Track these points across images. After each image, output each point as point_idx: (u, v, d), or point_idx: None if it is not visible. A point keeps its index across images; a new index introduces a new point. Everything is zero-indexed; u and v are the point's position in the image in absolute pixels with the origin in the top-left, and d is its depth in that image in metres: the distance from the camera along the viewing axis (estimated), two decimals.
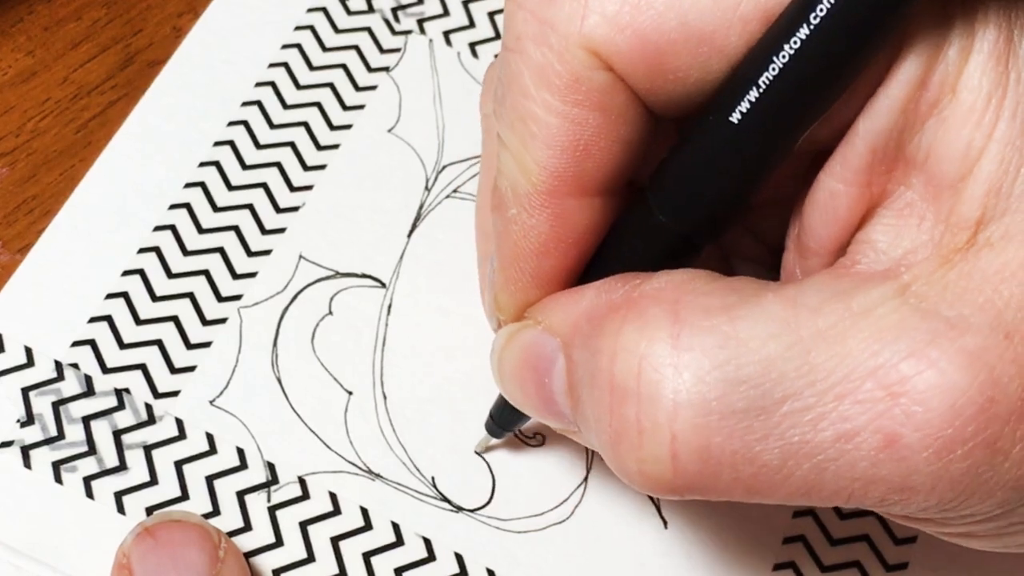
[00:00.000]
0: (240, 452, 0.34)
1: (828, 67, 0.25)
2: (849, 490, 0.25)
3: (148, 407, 0.35)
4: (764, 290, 0.26)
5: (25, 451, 0.34)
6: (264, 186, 0.38)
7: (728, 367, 0.25)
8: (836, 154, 0.26)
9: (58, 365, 0.35)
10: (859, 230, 0.27)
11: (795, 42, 0.24)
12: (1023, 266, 0.25)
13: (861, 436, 0.24)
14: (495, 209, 0.29)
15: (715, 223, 0.28)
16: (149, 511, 0.33)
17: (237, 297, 0.36)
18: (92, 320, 0.35)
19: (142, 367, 0.35)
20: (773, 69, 0.25)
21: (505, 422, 0.34)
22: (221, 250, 0.37)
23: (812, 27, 0.24)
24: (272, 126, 0.39)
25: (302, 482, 0.34)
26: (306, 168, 0.38)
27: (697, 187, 0.27)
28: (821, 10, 0.24)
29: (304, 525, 0.34)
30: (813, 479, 0.25)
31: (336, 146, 0.39)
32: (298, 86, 0.39)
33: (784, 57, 0.25)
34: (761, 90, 0.25)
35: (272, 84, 0.39)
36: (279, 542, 0.33)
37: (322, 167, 0.38)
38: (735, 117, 0.25)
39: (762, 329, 0.25)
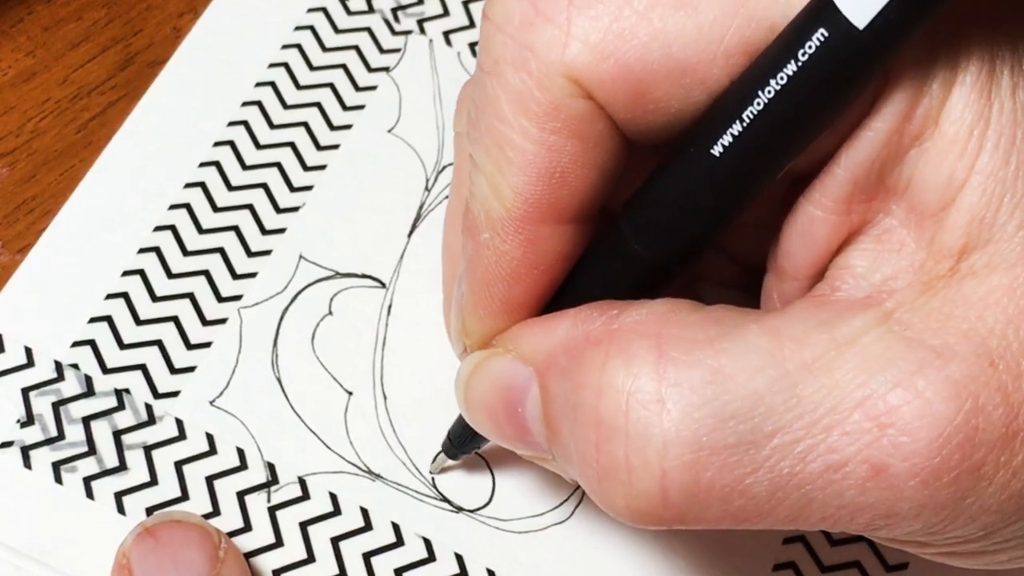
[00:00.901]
0: (240, 452, 0.34)
1: (813, 104, 0.25)
2: (835, 517, 0.25)
3: (148, 407, 0.35)
4: (746, 321, 0.26)
5: (25, 451, 0.34)
6: (264, 186, 0.38)
7: (716, 402, 0.25)
8: (817, 182, 0.26)
9: (58, 365, 0.35)
10: (838, 255, 0.27)
11: (781, 78, 0.24)
12: (1007, 294, 0.25)
13: (849, 466, 0.25)
14: (467, 232, 0.29)
15: (690, 253, 0.28)
16: (149, 511, 0.33)
17: (237, 297, 0.36)
18: (92, 320, 0.35)
19: (142, 367, 0.35)
20: (758, 104, 0.25)
21: (464, 446, 0.33)
22: (221, 250, 0.37)
23: (800, 64, 0.24)
24: (272, 126, 0.39)
25: (302, 482, 0.34)
26: (306, 168, 0.38)
27: (675, 218, 0.27)
28: (810, 47, 0.24)
29: (304, 525, 0.34)
30: (800, 508, 0.25)
31: (336, 146, 0.39)
32: (298, 86, 0.39)
33: (769, 92, 0.24)
34: (744, 124, 0.25)
35: (272, 84, 0.39)
36: (279, 542, 0.33)
37: (322, 167, 0.38)
38: (717, 150, 0.25)
39: (748, 362, 0.25)
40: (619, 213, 0.28)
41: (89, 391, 0.35)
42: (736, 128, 0.25)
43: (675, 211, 0.27)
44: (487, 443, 0.33)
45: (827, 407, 0.25)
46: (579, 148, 0.27)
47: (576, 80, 0.26)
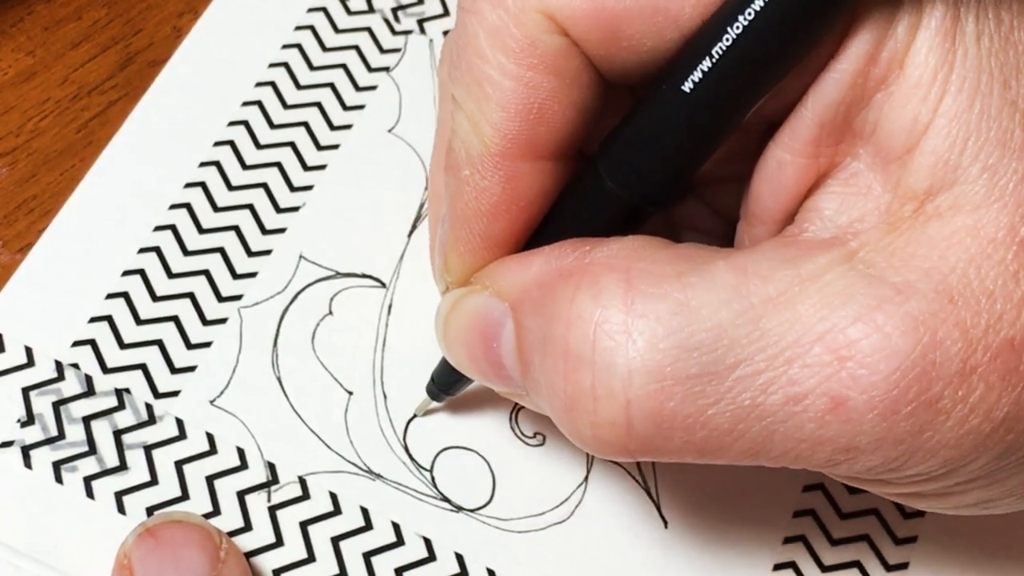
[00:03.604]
0: (240, 452, 0.34)
1: (781, 40, 0.25)
2: (796, 451, 0.26)
3: (148, 407, 0.35)
4: (715, 257, 0.26)
5: (25, 451, 0.34)
6: (264, 186, 0.38)
7: (681, 333, 0.25)
8: (785, 126, 0.27)
9: (58, 365, 0.35)
10: (806, 199, 0.27)
11: (749, 13, 0.25)
12: (970, 234, 0.25)
13: (809, 399, 0.25)
14: (448, 170, 0.29)
15: (664, 192, 0.28)
16: (150, 511, 0.33)
17: (237, 297, 0.36)
18: (92, 320, 0.35)
19: (142, 367, 0.35)
20: (727, 40, 0.25)
21: (446, 386, 0.34)
22: (221, 250, 0.37)
23: (766, 0, 0.24)
24: (272, 126, 0.39)
25: (302, 482, 0.34)
26: (306, 168, 0.38)
27: (647, 156, 0.27)
28: None
29: (304, 525, 0.34)
30: (762, 441, 0.26)
31: (336, 146, 0.39)
32: (298, 86, 0.39)
33: (738, 28, 0.25)
34: (714, 60, 0.25)
35: (272, 84, 0.39)
36: (279, 542, 0.33)
37: (322, 167, 0.38)
38: (687, 86, 0.26)
39: (714, 296, 0.25)
40: (596, 152, 0.28)
41: (89, 391, 0.35)
42: (706, 64, 0.25)
43: (648, 148, 0.27)
44: (470, 385, 0.34)
45: (789, 340, 0.25)
46: (556, 84, 0.27)
47: (551, 16, 0.27)
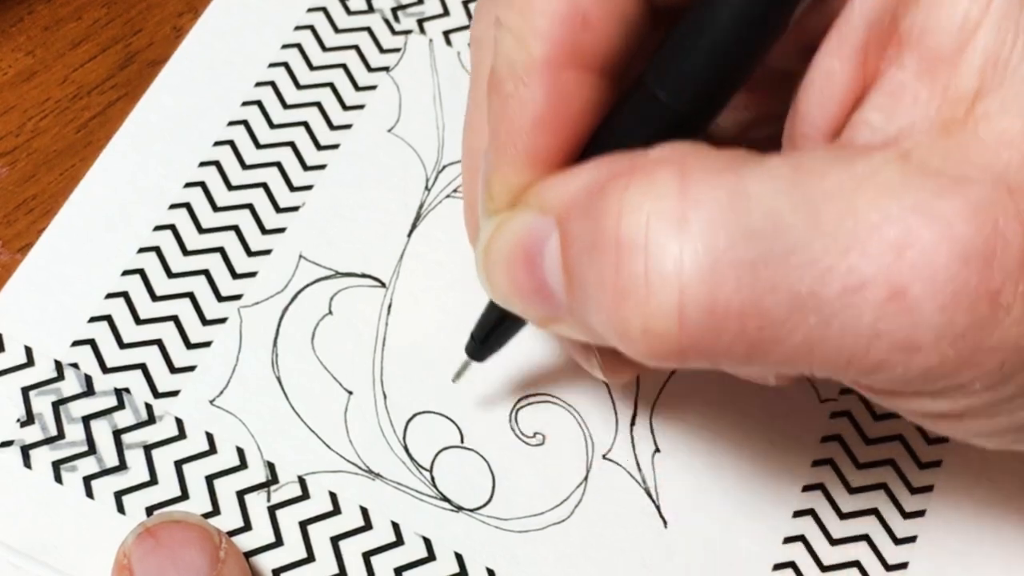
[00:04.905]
0: (240, 452, 0.34)
1: None
2: (852, 349, 0.25)
3: (148, 407, 0.35)
4: (768, 156, 0.26)
5: (25, 451, 0.34)
6: (264, 186, 0.38)
7: (738, 220, 0.25)
8: (832, 32, 0.27)
9: (58, 365, 0.35)
10: (853, 112, 0.27)
11: None
12: (1020, 134, 0.25)
13: (868, 289, 0.24)
14: (492, 91, 0.29)
15: (714, 97, 0.28)
16: (149, 511, 0.33)
17: (237, 297, 0.36)
18: (92, 320, 0.35)
19: (142, 367, 0.35)
20: None
21: (488, 340, 0.33)
22: (221, 250, 0.37)
23: None
24: (272, 126, 0.39)
25: (302, 482, 0.34)
26: (306, 168, 0.38)
27: (695, 59, 0.27)
28: None
29: (304, 525, 0.34)
30: (818, 334, 0.25)
31: (336, 146, 0.39)
32: (298, 86, 0.39)
33: None
34: None
35: (272, 84, 0.39)
36: (279, 542, 0.33)
37: (322, 167, 0.38)
38: None
39: (770, 186, 0.25)
40: (645, 69, 0.28)
41: (89, 390, 0.35)
42: None
43: (695, 51, 0.27)
44: (511, 337, 0.33)
45: (847, 229, 0.24)
46: None
47: None
